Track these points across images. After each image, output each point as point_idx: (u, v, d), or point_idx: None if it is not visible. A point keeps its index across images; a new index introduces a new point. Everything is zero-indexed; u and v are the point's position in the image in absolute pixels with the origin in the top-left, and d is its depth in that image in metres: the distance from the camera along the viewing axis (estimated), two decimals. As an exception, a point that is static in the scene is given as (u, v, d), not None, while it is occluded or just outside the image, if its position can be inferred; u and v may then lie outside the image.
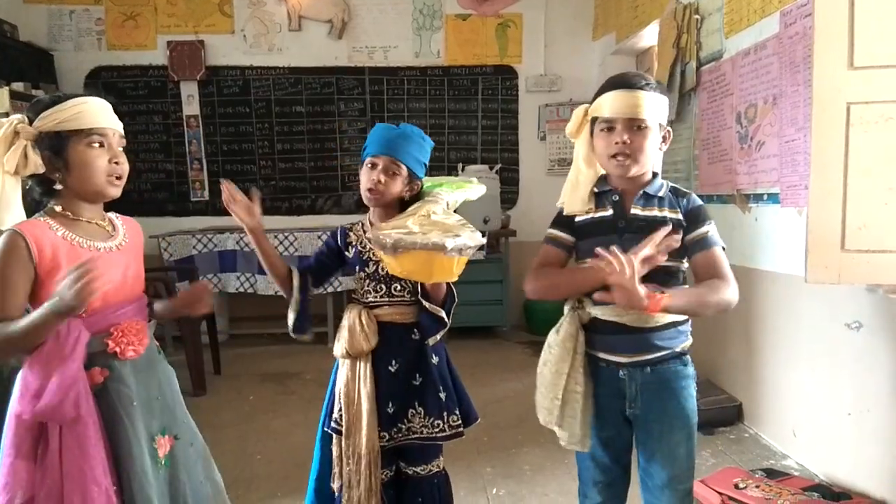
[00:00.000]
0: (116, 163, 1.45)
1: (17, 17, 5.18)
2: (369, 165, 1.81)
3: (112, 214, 1.59)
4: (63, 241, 1.40)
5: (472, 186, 1.95)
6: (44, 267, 1.36)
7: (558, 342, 1.65)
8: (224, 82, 5.61)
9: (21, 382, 1.37)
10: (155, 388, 1.52)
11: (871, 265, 2.12)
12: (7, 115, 4.21)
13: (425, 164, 1.87)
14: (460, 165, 5.57)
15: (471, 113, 5.79)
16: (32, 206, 1.48)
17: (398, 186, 1.82)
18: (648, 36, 4.64)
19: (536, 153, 5.82)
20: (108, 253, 1.47)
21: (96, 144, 1.43)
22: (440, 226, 1.66)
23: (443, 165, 5.74)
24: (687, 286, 1.66)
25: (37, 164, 1.41)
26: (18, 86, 4.54)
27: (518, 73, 5.74)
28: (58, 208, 1.44)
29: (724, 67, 3.42)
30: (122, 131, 1.51)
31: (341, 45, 5.64)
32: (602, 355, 1.67)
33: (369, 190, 1.80)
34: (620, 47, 5.09)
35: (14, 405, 1.37)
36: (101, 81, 5.50)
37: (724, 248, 1.62)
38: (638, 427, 1.69)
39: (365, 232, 1.88)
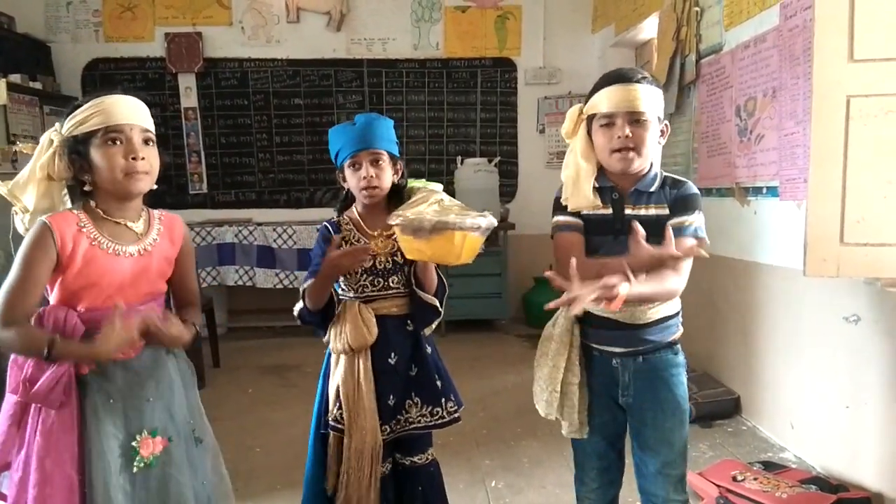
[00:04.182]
0: (134, 158, 1.46)
1: (14, 9, 5.14)
2: (351, 167, 1.82)
3: (156, 212, 1.62)
4: (85, 239, 1.44)
5: (432, 185, 1.96)
6: (65, 255, 1.41)
7: (555, 336, 1.68)
8: (222, 74, 5.59)
9: (15, 364, 1.42)
10: (152, 389, 1.51)
11: (870, 258, 2.12)
12: (5, 108, 4.27)
13: (396, 142, 1.88)
14: (459, 158, 5.55)
15: (469, 105, 5.77)
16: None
17: (388, 174, 1.83)
18: (648, 28, 4.63)
19: (535, 146, 5.81)
20: (128, 258, 1.49)
21: (112, 142, 1.45)
22: (455, 210, 1.68)
23: (441, 158, 5.74)
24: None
25: (62, 169, 1.47)
26: (16, 78, 4.53)
27: (517, 65, 5.73)
28: (92, 204, 1.49)
29: (724, 60, 3.42)
30: (147, 125, 1.51)
31: (340, 37, 5.62)
32: (595, 346, 1.70)
33: (365, 188, 1.80)
34: (620, 40, 5.07)
35: (10, 381, 1.42)
36: (98, 73, 5.48)
37: (700, 239, 1.60)
38: (631, 415, 1.72)
39: (356, 228, 1.88)
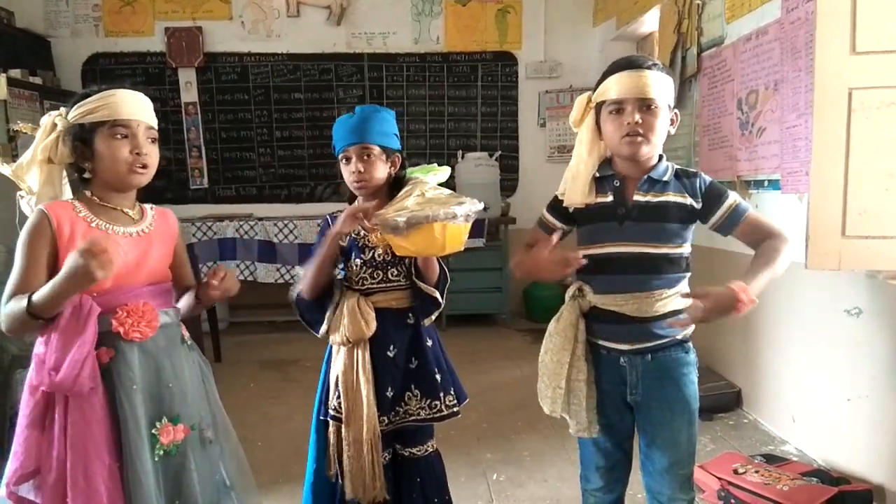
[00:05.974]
0: (139, 153, 1.49)
1: (14, 4, 5.14)
2: (344, 161, 1.84)
3: (147, 206, 1.64)
4: (83, 222, 1.46)
5: (439, 170, 1.96)
6: (62, 240, 1.43)
7: (559, 331, 1.65)
8: (222, 69, 5.58)
9: (37, 357, 1.41)
10: (169, 375, 1.52)
11: (872, 251, 2.12)
12: (5, 102, 4.27)
13: (396, 135, 1.88)
14: (460, 153, 5.55)
15: (470, 100, 5.76)
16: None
17: (379, 168, 1.83)
18: (649, 21, 4.61)
19: (536, 140, 5.80)
20: (127, 237, 1.51)
21: (119, 136, 1.48)
22: (438, 200, 1.69)
23: (442, 153, 5.72)
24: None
25: (65, 153, 1.50)
26: (16, 73, 4.51)
27: (518, 59, 5.71)
28: (87, 193, 1.52)
29: (726, 53, 3.40)
30: (153, 123, 1.55)
31: (340, 32, 5.60)
32: (602, 343, 1.67)
33: (356, 182, 1.82)
34: (621, 33, 5.06)
35: (31, 377, 1.42)
36: (98, 68, 5.47)
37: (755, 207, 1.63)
38: (639, 413, 1.69)
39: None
